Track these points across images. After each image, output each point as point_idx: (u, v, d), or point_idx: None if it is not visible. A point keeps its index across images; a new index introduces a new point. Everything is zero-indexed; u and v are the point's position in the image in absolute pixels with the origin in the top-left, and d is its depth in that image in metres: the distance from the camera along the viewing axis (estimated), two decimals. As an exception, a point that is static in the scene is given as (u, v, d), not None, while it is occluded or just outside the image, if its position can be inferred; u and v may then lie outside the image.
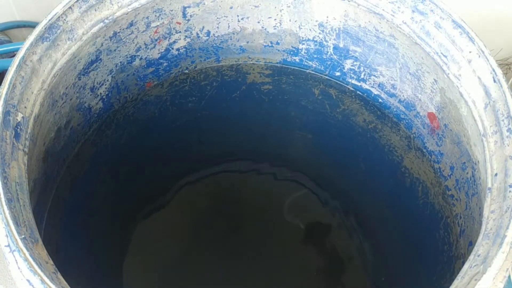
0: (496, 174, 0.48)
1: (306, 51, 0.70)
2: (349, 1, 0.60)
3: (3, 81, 0.47)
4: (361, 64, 0.67)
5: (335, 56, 0.68)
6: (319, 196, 1.00)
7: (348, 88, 0.71)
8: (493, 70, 0.50)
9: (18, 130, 0.47)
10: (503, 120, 0.49)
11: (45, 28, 0.51)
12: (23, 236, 0.40)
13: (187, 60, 0.70)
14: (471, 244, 0.56)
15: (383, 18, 0.59)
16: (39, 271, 0.39)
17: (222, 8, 0.64)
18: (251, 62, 0.73)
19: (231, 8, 0.65)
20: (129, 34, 0.61)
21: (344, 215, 0.98)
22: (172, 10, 0.62)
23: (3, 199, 0.41)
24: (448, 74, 0.55)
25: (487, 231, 0.44)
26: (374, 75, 0.67)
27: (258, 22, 0.67)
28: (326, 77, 0.72)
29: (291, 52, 0.71)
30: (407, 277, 0.80)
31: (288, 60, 0.72)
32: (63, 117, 0.59)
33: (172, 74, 0.71)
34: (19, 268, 0.39)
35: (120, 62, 0.64)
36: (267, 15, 0.66)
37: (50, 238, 0.60)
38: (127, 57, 0.64)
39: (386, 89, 0.68)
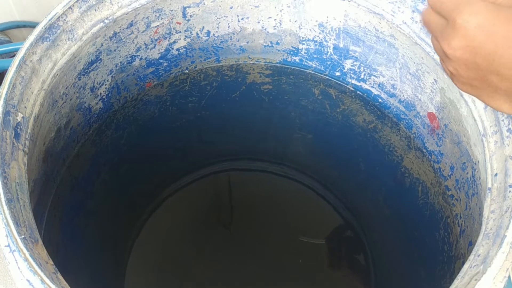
0: (496, 174, 0.48)
1: (306, 51, 0.70)
2: (349, 1, 0.60)
3: (3, 81, 0.47)
4: (361, 64, 0.67)
5: (335, 56, 0.68)
6: (319, 195, 1.00)
7: (348, 88, 0.71)
8: (493, 70, 0.50)
9: (18, 130, 0.47)
10: (503, 120, 0.49)
11: (45, 28, 0.51)
12: (23, 236, 0.40)
13: (187, 60, 0.70)
14: (471, 244, 0.56)
15: (383, 18, 0.59)
16: (39, 271, 0.39)
17: (222, 8, 0.64)
18: (251, 62, 0.73)
19: (231, 8, 0.65)
20: (129, 34, 0.61)
21: (344, 215, 0.98)
22: (172, 10, 0.62)
23: (3, 199, 0.41)
24: (448, 74, 0.55)
25: (487, 231, 0.44)
26: (374, 75, 0.67)
27: (258, 22, 0.67)
28: (326, 77, 0.72)
29: (291, 52, 0.71)
30: (407, 277, 0.80)
31: (288, 60, 0.72)
32: (63, 117, 0.59)
33: (172, 74, 0.71)
34: (19, 268, 0.39)
35: (120, 62, 0.64)
36: (267, 15, 0.66)
37: (50, 238, 0.60)
38: (127, 57, 0.64)
39: (386, 89, 0.68)
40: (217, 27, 0.67)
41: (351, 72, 0.69)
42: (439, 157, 0.65)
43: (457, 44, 0.40)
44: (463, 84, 0.42)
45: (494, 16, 0.38)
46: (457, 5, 0.40)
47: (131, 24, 0.60)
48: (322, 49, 0.68)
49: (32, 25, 0.95)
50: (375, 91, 0.69)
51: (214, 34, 0.68)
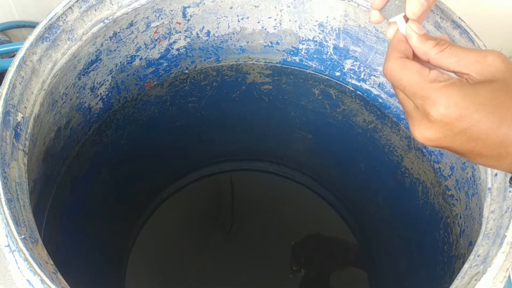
0: (496, 174, 0.48)
1: (306, 51, 0.70)
2: (349, 1, 0.60)
3: (3, 81, 0.47)
4: (361, 64, 0.67)
5: (335, 56, 0.68)
6: (319, 195, 1.00)
7: (348, 88, 0.71)
8: (493, 70, 0.50)
9: (18, 130, 0.47)
10: (503, 120, 0.49)
11: (45, 28, 0.51)
12: (23, 236, 0.40)
13: (187, 60, 0.70)
14: (471, 244, 0.56)
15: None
16: (39, 271, 0.39)
17: (222, 8, 0.64)
18: (251, 62, 0.73)
19: (231, 8, 0.65)
20: (129, 34, 0.61)
21: (344, 215, 0.98)
22: (172, 10, 0.62)
23: (3, 199, 0.41)
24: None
25: (487, 231, 0.44)
26: (374, 75, 0.67)
27: (258, 22, 0.67)
28: (326, 77, 0.72)
29: (291, 52, 0.71)
30: (407, 277, 0.80)
31: (288, 60, 0.72)
32: (63, 117, 0.59)
33: (172, 74, 0.71)
34: (19, 268, 0.39)
35: (120, 62, 0.64)
36: (267, 15, 0.66)
37: (50, 238, 0.60)
38: (127, 57, 0.64)
39: (386, 89, 0.68)
40: (217, 27, 0.67)
41: (351, 72, 0.69)
42: (439, 157, 0.65)
43: (432, 136, 0.36)
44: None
45: (476, 101, 0.34)
46: (427, 93, 0.35)
47: (131, 24, 0.60)
48: (322, 49, 0.68)
49: (32, 25, 0.95)
50: (375, 91, 0.69)
51: (214, 34, 0.68)
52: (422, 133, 0.36)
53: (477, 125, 0.34)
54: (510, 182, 0.39)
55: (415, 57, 0.40)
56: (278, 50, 0.71)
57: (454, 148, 0.36)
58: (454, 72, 0.37)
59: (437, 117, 0.35)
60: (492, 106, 0.34)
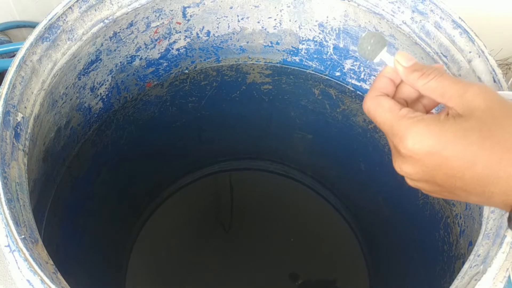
0: (496, 174, 0.48)
1: (306, 51, 0.70)
2: (349, 1, 0.60)
3: (3, 81, 0.47)
4: (361, 64, 0.67)
5: (335, 56, 0.68)
6: (319, 195, 1.00)
7: (348, 88, 0.71)
8: (493, 70, 0.50)
9: (18, 130, 0.47)
10: (503, 120, 0.48)
11: (45, 28, 0.51)
12: (23, 236, 0.40)
13: (187, 60, 0.70)
14: (471, 244, 0.56)
15: (383, 18, 0.59)
16: (39, 271, 0.39)
17: (222, 8, 0.64)
18: (251, 62, 0.73)
19: (231, 8, 0.65)
20: (129, 34, 0.61)
21: (344, 215, 0.98)
22: (172, 10, 0.62)
23: (3, 199, 0.41)
24: (448, 74, 0.55)
25: (487, 231, 0.44)
26: (374, 75, 0.67)
27: (258, 22, 0.67)
28: (326, 77, 0.72)
29: (291, 52, 0.71)
30: (407, 277, 0.80)
31: (288, 60, 0.72)
32: (63, 117, 0.59)
33: (172, 74, 0.71)
34: (19, 268, 0.39)
35: (120, 62, 0.64)
36: (267, 15, 0.66)
37: (50, 238, 0.60)
38: (127, 57, 0.64)
39: (386, 89, 0.68)
40: (217, 27, 0.67)
41: (351, 72, 0.69)
42: (439, 157, 0.65)
43: (408, 170, 0.36)
44: (429, 194, 0.38)
45: (442, 138, 0.33)
46: (396, 130, 0.35)
47: (131, 24, 0.60)
48: (322, 49, 0.68)
49: (32, 25, 0.95)
50: (375, 91, 0.69)
51: (214, 34, 0.68)
52: (400, 167, 0.37)
53: (448, 163, 0.33)
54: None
55: (400, 93, 0.39)
56: (278, 50, 0.71)
57: (437, 183, 0.35)
58: (444, 104, 0.36)
59: (406, 153, 0.35)
60: (460, 145, 0.33)
